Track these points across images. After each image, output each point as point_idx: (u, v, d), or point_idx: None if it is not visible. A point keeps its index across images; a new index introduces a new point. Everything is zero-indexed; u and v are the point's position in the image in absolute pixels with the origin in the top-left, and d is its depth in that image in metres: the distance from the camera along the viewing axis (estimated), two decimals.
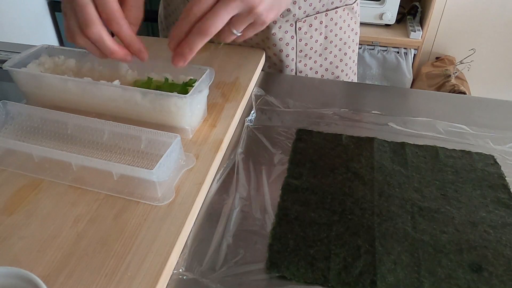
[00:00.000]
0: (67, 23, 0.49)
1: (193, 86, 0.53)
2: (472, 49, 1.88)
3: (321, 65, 0.81)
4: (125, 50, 0.50)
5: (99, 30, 0.47)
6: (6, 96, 0.81)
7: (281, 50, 0.77)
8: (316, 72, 0.81)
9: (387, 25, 1.93)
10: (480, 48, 1.93)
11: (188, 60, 0.49)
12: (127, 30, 0.48)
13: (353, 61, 0.86)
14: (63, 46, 0.62)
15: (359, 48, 1.89)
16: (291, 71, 0.79)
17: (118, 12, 0.47)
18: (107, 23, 0.48)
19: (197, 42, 0.47)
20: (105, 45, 0.48)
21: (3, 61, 0.57)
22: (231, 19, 0.47)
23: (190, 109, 0.52)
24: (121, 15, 0.48)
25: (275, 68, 0.79)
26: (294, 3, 0.72)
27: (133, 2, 0.50)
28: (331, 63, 0.81)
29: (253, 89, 0.69)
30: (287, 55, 0.78)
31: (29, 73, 0.56)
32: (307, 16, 0.75)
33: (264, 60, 0.76)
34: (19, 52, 0.58)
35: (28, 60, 0.58)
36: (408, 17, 1.96)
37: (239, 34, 0.49)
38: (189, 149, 0.53)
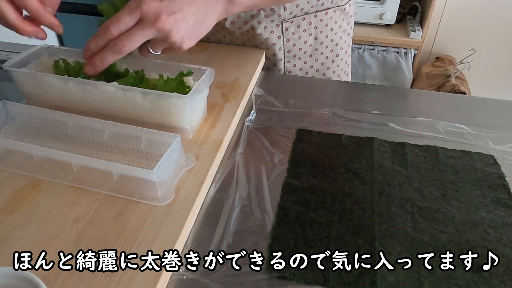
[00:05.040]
0: None
1: (190, 75, 0.54)
2: (472, 49, 1.87)
3: (311, 66, 0.80)
4: (34, 27, 0.51)
5: (2, 5, 0.48)
6: (6, 96, 0.81)
7: (268, 49, 0.77)
8: (306, 73, 0.81)
9: (387, 25, 1.93)
10: (480, 48, 1.93)
11: (99, 71, 0.50)
12: (32, 2, 0.49)
13: (345, 62, 0.84)
14: (63, 46, 0.62)
15: (359, 48, 1.89)
16: (279, 71, 0.79)
17: None
18: None
19: (109, 58, 0.49)
20: (8, 19, 0.48)
21: (3, 61, 0.57)
22: (149, 40, 0.49)
23: (190, 109, 0.52)
24: None
25: (263, 67, 0.78)
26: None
27: None
28: (322, 64, 0.81)
29: (253, 89, 0.69)
30: (274, 55, 0.77)
31: (29, 73, 0.56)
32: (294, 17, 0.75)
33: (264, 60, 0.76)
34: (19, 52, 0.58)
35: (28, 60, 0.58)
36: (408, 17, 1.96)
37: (157, 54, 0.51)
38: (189, 149, 0.53)
